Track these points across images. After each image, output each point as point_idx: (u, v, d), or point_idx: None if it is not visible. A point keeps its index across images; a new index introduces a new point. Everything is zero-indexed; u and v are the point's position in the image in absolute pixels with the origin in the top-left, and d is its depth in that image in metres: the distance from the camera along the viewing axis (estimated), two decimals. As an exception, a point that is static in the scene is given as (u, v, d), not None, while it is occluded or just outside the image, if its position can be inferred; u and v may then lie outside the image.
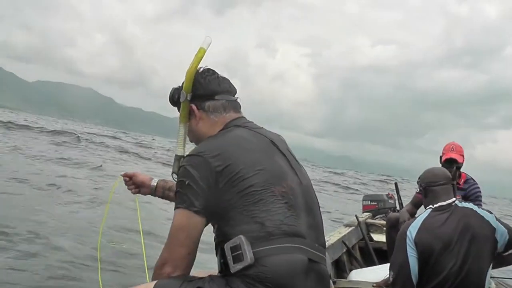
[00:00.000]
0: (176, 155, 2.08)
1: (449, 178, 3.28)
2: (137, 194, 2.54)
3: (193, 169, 1.80)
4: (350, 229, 5.86)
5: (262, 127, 2.04)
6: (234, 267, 1.69)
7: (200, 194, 1.78)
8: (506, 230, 3.03)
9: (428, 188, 3.27)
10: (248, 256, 1.67)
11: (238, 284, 1.68)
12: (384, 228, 5.59)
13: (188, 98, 2.00)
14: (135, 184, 2.51)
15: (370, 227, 6.58)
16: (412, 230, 3.05)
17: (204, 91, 2.01)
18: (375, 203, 7.41)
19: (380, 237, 6.08)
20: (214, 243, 1.85)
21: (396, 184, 6.97)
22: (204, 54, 1.99)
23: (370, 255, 5.60)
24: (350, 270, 4.91)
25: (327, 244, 2.99)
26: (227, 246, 1.72)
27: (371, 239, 6.13)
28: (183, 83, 2.02)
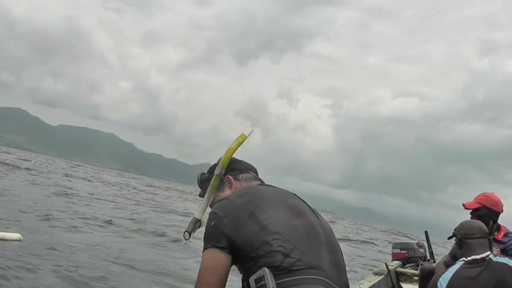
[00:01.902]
0: (194, 218, 2.20)
1: (485, 232, 3.25)
2: None
3: (219, 210, 1.94)
4: (380, 277, 5.79)
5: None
6: None
7: (226, 231, 1.86)
8: None
9: (463, 240, 3.22)
10: (271, 286, 1.70)
11: None
12: (415, 278, 5.74)
13: (222, 173, 2.20)
14: None
15: (400, 276, 6.50)
16: (443, 282, 3.04)
17: (240, 166, 2.27)
18: (405, 251, 7.28)
19: (410, 287, 6.08)
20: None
21: (426, 232, 6.86)
22: (244, 140, 2.23)
23: None
24: None
25: None
26: (252, 279, 1.76)
27: None
28: (218, 161, 2.25)
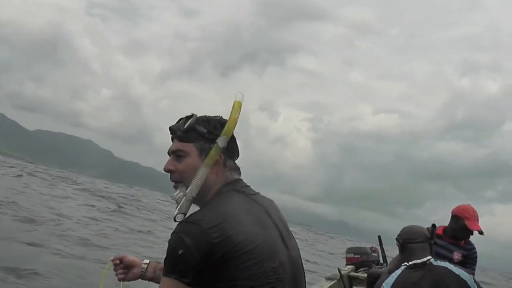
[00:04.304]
0: (188, 196, 2.00)
1: (426, 236, 3.35)
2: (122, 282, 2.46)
3: (188, 238, 1.81)
4: (332, 282, 5.94)
5: (258, 193, 2.10)
6: None
7: (193, 265, 1.79)
8: None
9: (405, 245, 3.34)
10: None
11: None
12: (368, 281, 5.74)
13: (224, 146, 2.00)
14: (126, 266, 2.42)
15: (353, 280, 6.58)
16: (386, 286, 3.09)
17: (235, 148, 2.10)
18: (359, 255, 7.39)
19: None
20: None
21: (379, 237, 6.86)
22: (240, 106, 2.00)
23: None
24: None
25: None
26: None
27: None
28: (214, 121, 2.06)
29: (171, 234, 1.87)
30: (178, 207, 1.99)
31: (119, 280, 2.44)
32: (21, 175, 29.44)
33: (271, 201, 2.12)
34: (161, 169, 2.16)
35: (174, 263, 1.81)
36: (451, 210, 4.68)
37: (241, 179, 2.11)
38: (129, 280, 2.45)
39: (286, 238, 2.01)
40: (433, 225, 3.86)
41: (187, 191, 2.00)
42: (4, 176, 27.26)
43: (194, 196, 1.99)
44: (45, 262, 9.58)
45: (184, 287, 1.79)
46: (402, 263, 3.21)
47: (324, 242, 43.33)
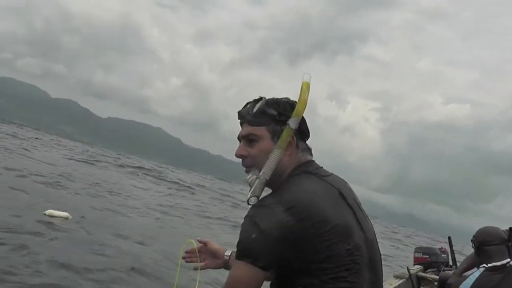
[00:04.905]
0: (262, 178, 1.95)
1: (503, 238, 3.29)
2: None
3: (261, 222, 1.78)
4: (401, 281, 5.84)
5: (332, 174, 2.06)
6: None
7: (267, 249, 1.77)
8: None
9: (482, 248, 3.27)
10: None
11: None
12: (435, 283, 5.69)
13: (296, 127, 1.97)
14: (208, 253, 2.46)
15: (421, 281, 6.49)
16: None
17: (306, 129, 2.07)
18: (427, 256, 7.22)
19: None
20: None
21: (449, 238, 6.70)
22: (309, 87, 1.97)
23: None
24: None
25: None
26: None
27: None
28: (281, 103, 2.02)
29: (244, 218, 1.84)
30: (252, 190, 1.93)
31: (197, 268, 2.39)
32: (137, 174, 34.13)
33: (345, 182, 2.04)
34: (230, 156, 2.10)
35: (247, 247, 1.78)
36: None
37: (314, 161, 2.06)
38: (207, 268, 2.41)
39: (361, 220, 1.95)
40: (511, 228, 3.65)
41: (260, 173, 1.94)
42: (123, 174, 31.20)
43: (268, 179, 1.93)
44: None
45: (257, 270, 1.76)
46: (478, 266, 3.12)
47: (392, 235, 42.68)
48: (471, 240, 3.40)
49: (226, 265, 2.37)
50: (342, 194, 1.93)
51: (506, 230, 3.57)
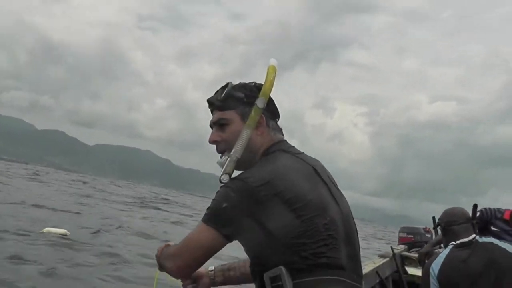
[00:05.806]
0: (233, 156, 1.91)
1: (468, 217, 3.36)
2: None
3: (234, 194, 1.77)
4: (385, 260, 5.88)
5: (303, 152, 2.02)
6: None
7: (235, 220, 1.75)
8: None
9: (448, 228, 3.32)
10: (288, 287, 1.69)
11: None
12: (419, 262, 5.76)
13: (264, 107, 1.95)
14: (194, 280, 2.26)
15: (405, 260, 6.64)
16: (435, 267, 3.12)
17: (275, 109, 2.06)
18: (412, 235, 7.49)
19: (414, 271, 6.21)
20: (250, 269, 1.87)
21: (433, 218, 6.41)
22: (275, 70, 1.97)
23: None
24: None
25: None
26: (266, 276, 1.74)
27: (405, 272, 6.23)
28: (250, 87, 2.00)
29: (220, 187, 1.83)
30: (223, 169, 1.90)
31: None
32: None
33: (317, 160, 2.00)
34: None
35: (215, 214, 1.77)
36: None
37: (286, 140, 2.04)
38: None
39: (336, 195, 1.91)
40: (475, 205, 3.96)
41: (231, 153, 1.92)
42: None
43: (239, 157, 1.91)
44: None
45: (220, 237, 1.76)
46: (447, 245, 3.25)
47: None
48: (437, 222, 3.51)
49: (212, 281, 2.26)
50: (316, 170, 1.91)
51: (472, 207, 3.83)
